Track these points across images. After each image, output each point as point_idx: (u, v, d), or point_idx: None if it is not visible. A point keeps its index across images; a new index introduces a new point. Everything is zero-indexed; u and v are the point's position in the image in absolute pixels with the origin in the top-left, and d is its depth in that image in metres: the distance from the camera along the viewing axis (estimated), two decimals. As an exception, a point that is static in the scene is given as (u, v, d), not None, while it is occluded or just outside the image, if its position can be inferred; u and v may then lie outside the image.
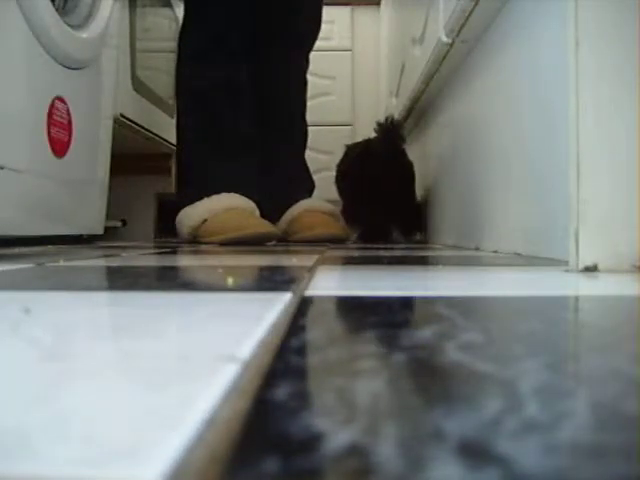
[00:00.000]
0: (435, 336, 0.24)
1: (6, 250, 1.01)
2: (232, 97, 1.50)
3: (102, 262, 0.74)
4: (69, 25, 1.22)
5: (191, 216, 1.43)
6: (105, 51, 1.41)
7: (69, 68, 1.24)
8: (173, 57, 1.58)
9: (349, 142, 1.80)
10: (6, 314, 0.30)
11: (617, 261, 0.54)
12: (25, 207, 1.13)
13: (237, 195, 1.42)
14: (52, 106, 1.19)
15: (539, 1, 0.83)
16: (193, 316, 0.30)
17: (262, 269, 0.64)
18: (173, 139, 1.62)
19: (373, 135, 1.63)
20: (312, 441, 0.13)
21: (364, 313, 0.32)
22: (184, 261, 0.84)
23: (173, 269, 0.68)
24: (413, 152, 1.68)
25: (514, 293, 0.42)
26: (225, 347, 0.22)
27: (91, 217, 1.42)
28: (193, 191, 1.46)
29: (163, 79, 1.87)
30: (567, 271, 0.56)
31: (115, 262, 0.74)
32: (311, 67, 1.77)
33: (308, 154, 1.77)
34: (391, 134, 1.56)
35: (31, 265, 0.66)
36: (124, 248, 1.16)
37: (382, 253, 0.99)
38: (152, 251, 1.04)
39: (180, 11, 1.61)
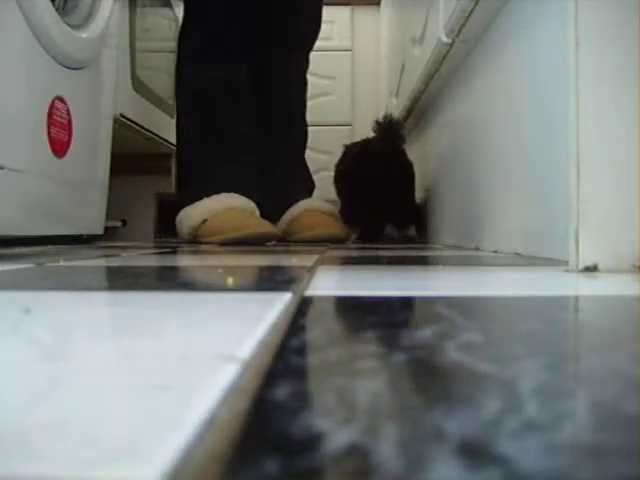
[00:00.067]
0: (435, 336, 0.24)
1: (6, 250, 1.01)
2: (232, 97, 1.50)
3: (102, 262, 0.74)
4: (69, 25, 1.22)
5: (191, 216, 1.43)
6: (105, 51, 1.41)
7: (69, 68, 1.25)
8: (173, 57, 1.58)
9: (349, 142, 1.79)
10: (6, 314, 0.30)
11: (617, 261, 0.54)
12: (25, 207, 1.13)
13: (237, 195, 1.42)
14: (52, 106, 1.19)
15: (539, 1, 0.83)
16: (193, 316, 0.30)
17: (262, 269, 0.64)
18: (173, 139, 1.62)
19: (372, 135, 1.63)
20: (312, 441, 0.13)
21: (364, 313, 0.32)
22: (184, 261, 0.84)
23: (173, 269, 0.68)
24: (413, 152, 1.68)
25: (514, 293, 0.42)
26: (225, 347, 0.22)
27: (91, 217, 1.42)
28: (193, 191, 1.46)
29: (163, 79, 1.87)
30: (567, 271, 0.56)
31: (115, 262, 0.74)
32: (311, 67, 1.77)
33: (308, 154, 1.77)
34: (390, 133, 1.55)
35: (31, 265, 0.66)
36: (124, 248, 1.16)
37: (382, 253, 0.99)
38: (152, 251, 1.04)
39: (180, 11, 1.61)
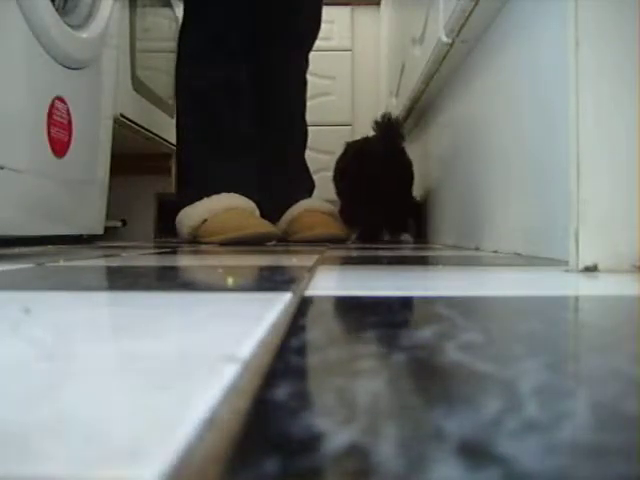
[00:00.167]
0: (435, 336, 0.24)
1: (6, 250, 1.01)
2: (232, 97, 1.50)
3: (102, 262, 0.74)
4: (69, 25, 1.22)
5: (191, 216, 1.43)
6: (105, 51, 1.41)
7: (69, 68, 1.24)
8: (173, 57, 1.58)
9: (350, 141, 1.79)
10: (6, 314, 0.30)
11: (617, 261, 0.54)
12: (25, 207, 1.13)
13: (237, 195, 1.42)
14: (52, 106, 1.19)
15: (539, 1, 0.83)
16: (193, 316, 0.30)
17: (262, 269, 0.64)
18: (173, 139, 1.62)
19: (372, 133, 1.63)
20: (312, 441, 0.13)
21: (364, 313, 0.32)
22: (184, 261, 0.84)
23: (173, 269, 0.68)
24: (413, 152, 1.68)
25: (514, 293, 0.42)
26: (225, 347, 0.22)
27: (91, 217, 1.42)
28: (193, 191, 1.46)
29: (163, 79, 1.87)
30: (567, 271, 0.56)
31: (115, 262, 0.74)
32: (311, 67, 1.77)
33: (308, 154, 1.77)
34: (390, 132, 1.55)
35: (31, 265, 0.66)
36: (124, 248, 1.16)
37: (382, 253, 0.99)
38: (152, 251, 1.04)
39: (180, 11, 1.61)
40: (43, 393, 0.16)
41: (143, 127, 1.69)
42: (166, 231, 1.87)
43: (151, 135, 1.76)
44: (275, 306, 0.31)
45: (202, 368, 0.19)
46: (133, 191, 1.92)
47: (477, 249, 1.12)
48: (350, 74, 2.59)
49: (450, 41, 1.17)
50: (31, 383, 0.17)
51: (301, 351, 0.22)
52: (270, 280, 0.50)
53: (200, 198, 1.43)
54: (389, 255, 0.94)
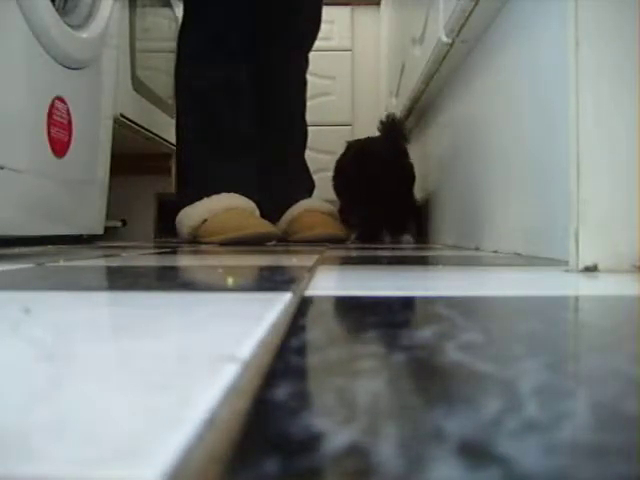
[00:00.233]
0: (435, 336, 0.24)
1: (6, 250, 1.01)
2: (232, 97, 1.50)
3: (102, 262, 0.74)
4: (69, 25, 1.22)
5: (191, 216, 1.43)
6: (105, 51, 1.41)
7: (69, 68, 1.25)
8: (173, 57, 1.58)
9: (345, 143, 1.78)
10: (6, 314, 0.30)
11: (617, 261, 0.54)
12: (25, 207, 1.13)
13: (237, 195, 1.42)
14: (52, 106, 1.19)
15: (539, 1, 0.83)
16: (193, 316, 0.30)
17: (262, 269, 0.64)
18: (173, 139, 1.62)
19: (374, 134, 1.62)
20: (312, 441, 0.13)
21: (364, 313, 0.32)
22: (184, 261, 0.84)
23: (173, 269, 0.68)
24: (413, 152, 1.68)
25: (514, 293, 0.42)
26: (225, 347, 0.22)
27: (91, 217, 1.42)
28: (193, 191, 1.46)
29: (163, 79, 1.87)
30: (567, 271, 0.56)
31: (115, 262, 0.74)
32: (311, 67, 1.77)
33: (308, 154, 1.77)
34: (394, 133, 1.54)
35: (31, 265, 0.66)
36: (124, 248, 1.16)
37: (382, 253, 0.99)
38: (152, 251, 1.04)
39: (180, 11, 1.61)
40: (43, 393, 0.16)
41: (143, 127, 1.69)
42: (166, 231, 1.87)
43: (151, 135, 1.76)
44: (275, 306, 0.31)
45: (202, 368, 0.19)
46: (133, 191, 1.92)
47: (477, 249, 1.12)
48: (350, 74, 2.59)
49: (450, 41, 1.17)
50: (31, 383, 0.17)
51: (301, 351, 0.22)
52: (270, 280, 0.50)
53: (200, 198, 1.43)
54: (389, 255, 0.94)
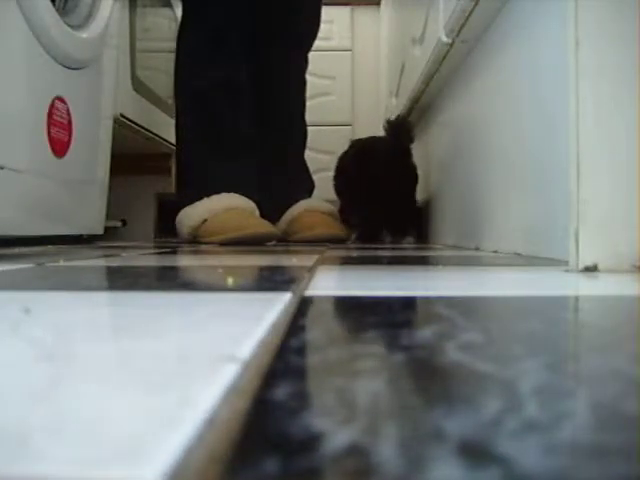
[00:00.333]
0: (435, 336, 0.24)
1: (6, 250, 1.01)
2: (232, 97, 1.50)
3: (102, 262, 0.74)
4: (69, 25, 1.22)
5: (191, 216, 1.43)
6: (105, 51, 1.41)
7: (69, 68, 1.25)
8: (173, 57, 1.58)
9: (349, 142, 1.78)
10: (6, 314, 0.30)
11: (617, 261, 0.54)
12: (25, 207, 1.13)
13: (237, 195, 1.42)
14: (52, 106, 1.19)
15: (539, 1, 0.83)
16: (193, 316, 0.30)
17: (262, 269, 0.64)
18: (173, 139, 1.62)
19: (373, 133, 1.62)
20: (312, 441, 0.13)
21: (364, 313, 0.32)
22: (184, 261, 0.84)
23: (173, 269, 0.68)
24: (413, 152, 1.68)
25: (514, 293, 0.42)
26: (225, 347, 0.22)
27: (91, 217, 1.42)
28: (193, 191, 1.46)
29: (163, 79, 1.87)
30: (567, 271, 0.56)
31: (115, 262, 0.74)
32: (311, 67, 1.77)
33: (308, 154, 1.77)
34: (399, 133, 1.53)
35: (31, 265, 0.66)
36: (124, 248, 1.16)
37: (382, 253, 0.99)
38: (152, 251, 1.04)
39: (180, 11, 1.61)
40: (43, 393, 0.16)
41: (143, 127, 1.69)
42: (166, 231, 1.87)
43: (151, 135, 1.76)
44: (275, 306, 0.31)
45: (202, 368, 0.19)
46: (133, 191, 1.93)
47: (477, 249, 1.12)
48: (350, 74, 2.59)
49: (450, 41, 1.17)
50: (31, 383, 0.17)
51: (301, 351, 0.22)
52: (270, 280, 0.50)
53: (200, 198, 1.43)
54: (389, 255, 0.94)
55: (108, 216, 1.53)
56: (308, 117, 1.77)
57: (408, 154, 1.54)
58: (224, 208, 1.39)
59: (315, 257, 0.80)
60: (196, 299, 0.36)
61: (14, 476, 0.11)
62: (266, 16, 1.59)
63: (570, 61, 0.56)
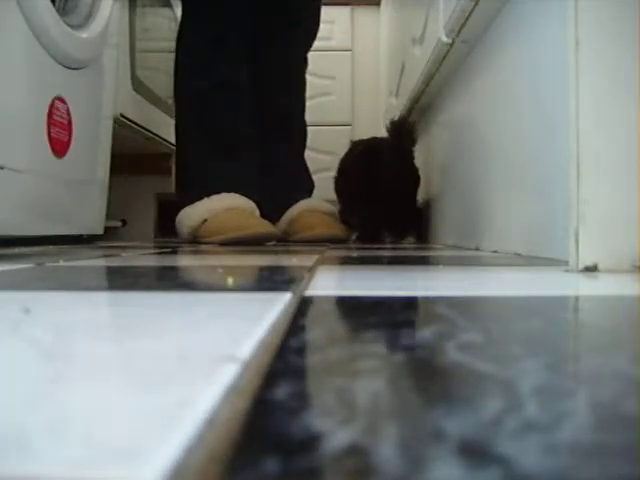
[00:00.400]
0: (435, 336, 0.24)
1: (6, 250, 1.01)
2: (232, 97, 1.50)
3: (102, 262, 0.74)
4: (69, 25, 1.22)
5: (191, 216, 1.43)
6: (105, 51, 1.41)
7: (69, 68, 1.25)
8: (173, 57, 1.58)
9: (348, 142, 1.78)
10: (6, 314, 0.30)
11: (617, 261, 0.54)
12: (25, 207, 1.13)
13: (237, 195, 1.43)
14: (52, 106, 1.19)
15: (539, 1, 0.83)
16: (193, 316, 0.30)
17: (262, 269, 0.64)
18: (173, 139, 1.62)
19: (373, 134, 1.62)
20: (312, 441, 0.13)
21: (364, 313, 0.32)
22: (184, 261, 0.84)
23: (173, 269, 0.68)
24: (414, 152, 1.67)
25: (514, 293, 0.42)
26: (225, 347, 0.22)
27: (91, 217, 1.42)
28: (193, 191, 1.46)
29: (163, 79, 1.87)
30: (567, 271, 0.56)
31: (115, 262, 0.74)
32: (311, 67, 1.77)
33: (308, 154, 1.77)
34: (402, 134, 1.52)
35: (31, 265, 0.66)
36: (124, 248, 1.16)
37: (382, 253, 0.99)
38: (152, 251, 1.04)
39: (180, 11, 1.61)
40: (43, 393, 0.16)
41: (143, 127, 1.69)
42: (166, 231, 1.87)
43: (151, 135, 1.76)
44: (275, 306, 0.31)
45: (202, 368, 0.19)
46: (133, 191, 1.93)
47: (477, 249, 1.12)
48: (350, 74, 2.59)
49: (450, 41, 1.17)
50: (31, 383, 0.17)
51: (301, 351, 0.22)
52: (270, 280, 0.50)
53: (200, 198, 1.43)
54: (389, 255, 0.94)
55: (108, 216, 1.53)
56: (308, 117, 1.77)
57: (410, 156, 1.53)
58: (224, 208, 1.39)
59: (315, 257, 0.80)
60: (196, 299, 0.36)
61: (14, 476, 0.11)
62: (266, 16, 1.59)
63: (570, 61, 0.56)
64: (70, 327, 0.28)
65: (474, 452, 0.12)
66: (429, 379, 0.18)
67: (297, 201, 1.63)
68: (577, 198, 0.55)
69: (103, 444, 0.12)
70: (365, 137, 1.70)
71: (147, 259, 0.82)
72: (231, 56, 1.50)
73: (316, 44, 1.75)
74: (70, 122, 1.26)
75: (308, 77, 1.77)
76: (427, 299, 0.38)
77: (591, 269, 0.54)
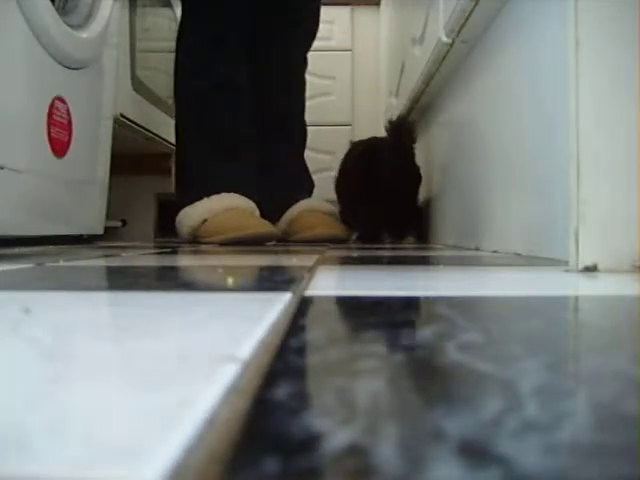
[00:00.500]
0: (435, 336, 0.24)
1: (6, 250, 1.01)
2: (232, 97, 1.50)
3: (102, 262, 0.74)
4: (69, 25, 1.22)
5: (191, 216, 1.43)
6: (105, 51, 1.41)
7: (69, 68, 1.25)
8: (173, 57, 1.58)
9: (348, 142, 1.78)
10: (6, 314, 0.30)
11: (617, 261, 0.54)
12: (25, 207, 1.13)
13: (237, 195, 1.43)
14: (52, 106, 1.19)
15: (539, 1, 0.83)
16: (193, 316, 0.30)
17: (262, 269, 0.64)
18: (173, 139, 1.62)
19: (373, 133, 1.62)
20: (312, 441, 0.13)
21: (364, 313, 0.32)
22: (184, 261, 0.84)
23: (173, 269, 0.68)
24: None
25: (514, 293, 0.42)
26: (225, 347, 0.22)
27: (91, 217, 1.42)
28: (193, 191, 1.46)
29: (163, 79, 1.87)
30: (567, 271, 0.56)
31: (115, 262, 0.74)
32: (311, 67, 1.77)
33: (308, 154, 1.77)
34: (401, 134, 1.52)
35: (31, 265, 0.66)
36: (124, 248, 1.16)
37: (382, 253, 0.99)
38: (152, 251, 1.04)
39: (180, 11, 1.61)
40: (43, 393, 0.16)
41: (143, 127, 1.69)
42: (166, 231, 1.87)
43: (151, 135, 1.76)
44: (275, 306, 0.31)
45: (202, 368, 0.19)
46: (133, 191, 1.93)
47: (477, 249, 1.12)
48: (350, 74, 2.59)
49: (450, 41, 1.17)
50: (31, 383, 0.17)
51: (301, 351, 0.22)
52: (270, 280, 0.50)
53: (200, 198, 1.43)
54: (389, 255, 0.94)
55: (108, 216, 1.53)
56: (308, 117, 1.77)
57: (411, 154, 1.52)
58: (224, 208, 1.40)
59: (315, 257, 0.80)
60: (196, 299, 0.36)
61: (14, 476, 0.11)
62: (266, 16, 1.59)
63: (570, 61, 0.56)
64: (70, 327, 0.28)
65: (474, 452, 0.12)
66: (429, 379, 0.18)
67: (297, 201, 1.63)
68: (577, 198, 0.55)
69: (103, 444, 0.12)
70: (365, 137, 1.70)
71: (147, 259, 0.82)
72: (231, 56, 1.50)
73: (316, 44, 1.75)
74: (70, 122, 1.26)
75: (308, 77, 1.77)
76: (427, 299, 0.38)
77: (591, 269, 0.54)
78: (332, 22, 2.48)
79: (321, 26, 1.74)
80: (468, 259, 0.82)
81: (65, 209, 1.30)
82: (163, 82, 1.86)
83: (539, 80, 0.82)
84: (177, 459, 0.12)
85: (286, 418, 0.14)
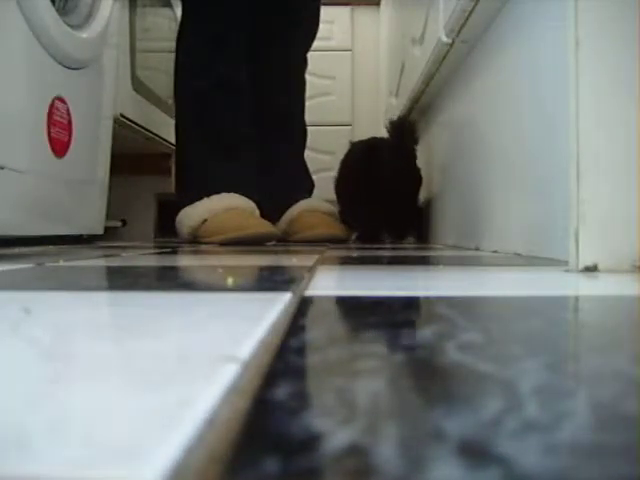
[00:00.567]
0: (435, 336, 0.24)
1: (6, 250, 1.01)
2: (232, 97, 1.50)
3: (102, 262, 0.74)
4: (69, 25, 1.22)
5: (191, 216, 1.43)
6: (105, 51, 1.41)
7: (69, 68, 1.25)
8: (173, 57, 1.58)
9: (348, 143, 1.78)
10: (6, 314, 0.30)
11: (617, 261, 0.54)
12: (25, 207, 1.13)
13: (237, 195, 1.43)
14: (52, 106, 1.19)
15: (539, 1, 0.83)
16: (193, 316, 0.30)
17: (262, 269, 0.64)
18: (173, 139, 1.62)
19: (373, 133, 1.62)
20: (312, 441, 0.13)
21: (364, 313, 0.32)
22: (184, 261, 0.84)
23: (173, 269, 0.68)
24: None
25: (514, 293, 0.42)
26: (225, 347, 0.22)
27: (91, 217, 1.42)
28: (193, 191, 1.46)
29: (163, 79, 1.87)
30: (567, 271, 0.56)
31: (115, 262, 0.74)
32: (311, 67, 1.77)
33: (308, 154, 1.77)
34: (404, 135, 1.51)
35: (31, 265, 0.66)
36: (124, 248, 1.16)
37: (382, 253, 0.99)
38: (152, 251, 1.04)
39: (180, 11, 1.61)
40: (43, 393, 0.16)
41: (143, 127, 1.69)
42: (166, 231, 1.87)
43: (151, 135, 1.76)
44: (275, 306, 0.31)
45: (202, 368, 0.19)
46: (133, 191, 1.93)
47: (477, 249, 1.12)
48: (350, 74, 2.59)
49: (450, 41, 1.17)
50: (31, 383, 0.17)
51: (301, 351, 0.22)
52: (270, 280, 0.50)
53: (200, 198, 1.43)
54: (389, 255, 0.94)
55: (108, 216, 1.53)
56: (308, 117, 1.77)
57: (412, 155, 1.52)
58: (224, 208, 1.39)
59: (315, 257, 0.80)
60: (196, 299, 0.36)
61: (14, 476, 0.11)
62: (266, 16, 1.59)
63: (570, 61, 0.56)
64: (70, 327, 0.28)
65: (474, 452, 0.12)
66: (429, 379, 0.18)
67: (297, 201, 1.63)
68: (577, 198, 0.55)
69: (103, 444, 0.12)
70: (365, 137, 1.70)
71: (147, 259, 0.82)
72: (231, 56, 1.50)
73: (316, 44, 1.75)
74: (70, 122, 1.26)
75: (308, 77, 1.77)
76: (427, 299, 0.38)
77: (591, 269, 0.54)
78: (332, 22, 2.48)
79: (321, 26, 1.74)
80: (468, 259, 0.82)
81: (65, 209, 1.30)
82: (163, 82, 1.86)
83: (539, 80, 0.82)
84: (177, 459, 0.12)
85: (286, 418, 0.14)
